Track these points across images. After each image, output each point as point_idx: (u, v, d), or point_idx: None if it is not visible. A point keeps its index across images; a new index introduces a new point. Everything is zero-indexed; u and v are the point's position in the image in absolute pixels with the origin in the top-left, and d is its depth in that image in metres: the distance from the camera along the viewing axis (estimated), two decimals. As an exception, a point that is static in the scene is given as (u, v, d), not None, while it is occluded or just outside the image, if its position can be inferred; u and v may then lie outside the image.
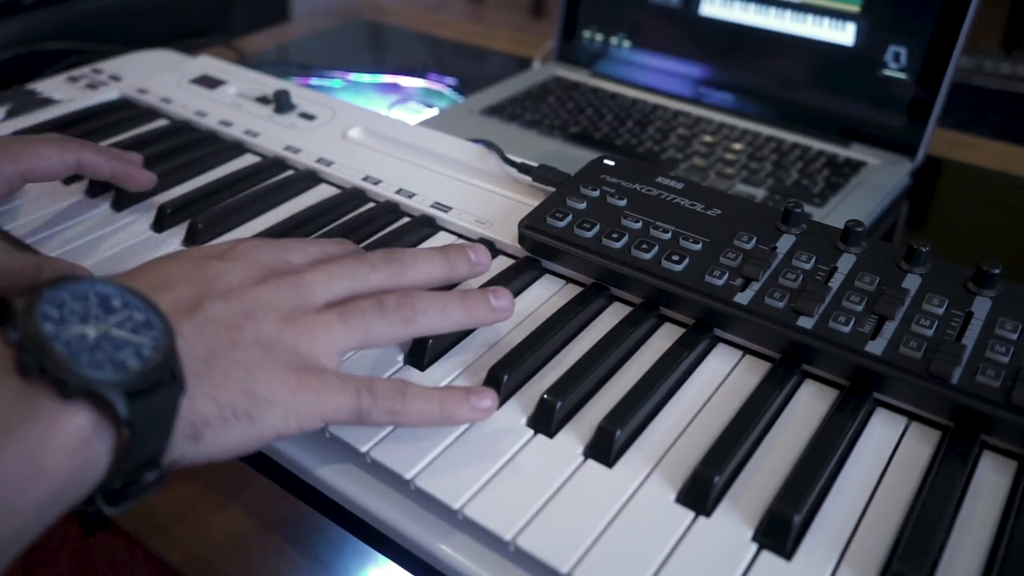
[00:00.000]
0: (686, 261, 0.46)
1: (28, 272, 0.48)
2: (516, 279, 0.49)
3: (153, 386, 0.31)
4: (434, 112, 0.89)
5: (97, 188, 0.60)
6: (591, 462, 0.38)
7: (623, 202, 0.51)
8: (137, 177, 0.56)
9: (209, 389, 0.33)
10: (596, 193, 0.52)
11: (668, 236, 0.48)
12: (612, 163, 0.55)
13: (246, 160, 0.65)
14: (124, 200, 0.58)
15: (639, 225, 0.49)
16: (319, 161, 0.62)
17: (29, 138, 0.54)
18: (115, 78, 0.78)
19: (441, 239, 0.55)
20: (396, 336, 0.40)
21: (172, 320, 0.33)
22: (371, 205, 0.59)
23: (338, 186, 0.61)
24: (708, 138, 0.80)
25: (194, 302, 0.35)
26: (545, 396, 0.40)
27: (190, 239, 0.54)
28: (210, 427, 0.33)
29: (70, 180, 0.61)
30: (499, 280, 0.49)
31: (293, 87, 0.73)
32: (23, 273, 0.48)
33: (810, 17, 0.79)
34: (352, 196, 0.59)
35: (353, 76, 0.98)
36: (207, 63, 0.79)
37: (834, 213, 0.68)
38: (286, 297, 0.37)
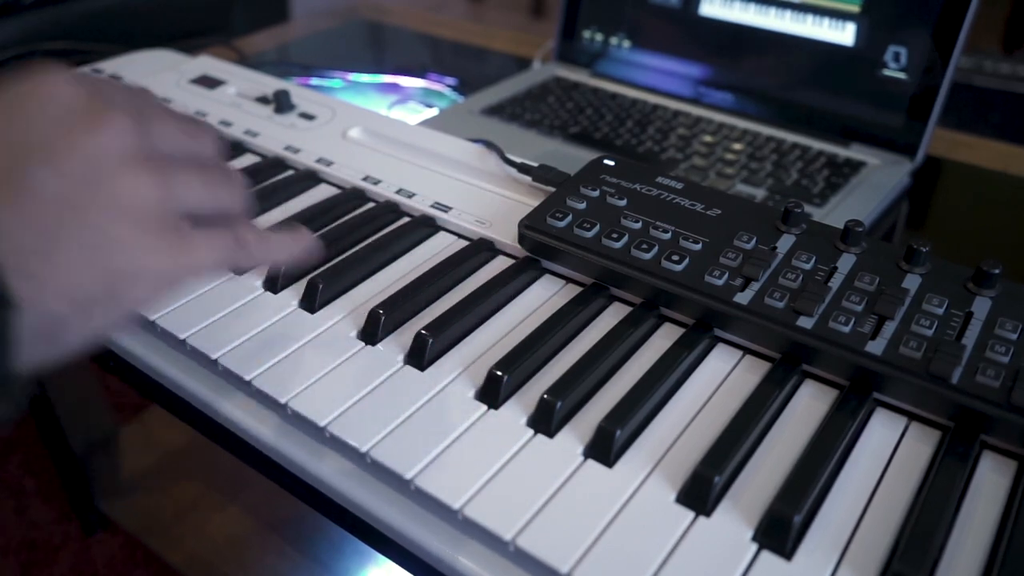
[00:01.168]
0: (686, 261, 0.46)
1: None
2: (516, 279, 0.49)
3: None
4: (434, 112, 0.89)
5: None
6: (591, 462, 0.38)
7: (623, 202, 0.51)
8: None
9: (57, 286, 0.28)
10: (596, 193, 0.52)
11: (668, 236, 0.48)
12: (612, 163, 0.55)
13: (246, 160, 0.65)
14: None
15: (639, 225, 0.49)
16: (319, 161, 0.62)
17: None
18: (115, 78, 0.78)
19: (441, 239, 0.55)
20: (230, 201, 0.36)
21: None
22: (371, 205, 0.59)
23: (338, 186, 0.61)
24: (708, 138, 0.80)
25: (5, 173, 0.28)
26: (545, 396, 0.40)
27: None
28: (68, 327, 0.29)
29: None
30: (499, 280, 0.49)
31: (293, 87, 0.73)
32: None
33: (810, 17, 0.79)
34: (352, 196, 0.59)
35: (353, 76, 0.98)
36: (207, 63, 0.79)
37: (834, 213, 0.68)
38: (123, 141, 0.30)
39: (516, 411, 0.41)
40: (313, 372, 0.43)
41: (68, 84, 0.30)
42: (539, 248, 0.50)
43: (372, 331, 0.46)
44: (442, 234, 0.56)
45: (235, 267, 0.34)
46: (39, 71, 0.30)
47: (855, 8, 0.77)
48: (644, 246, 0.47)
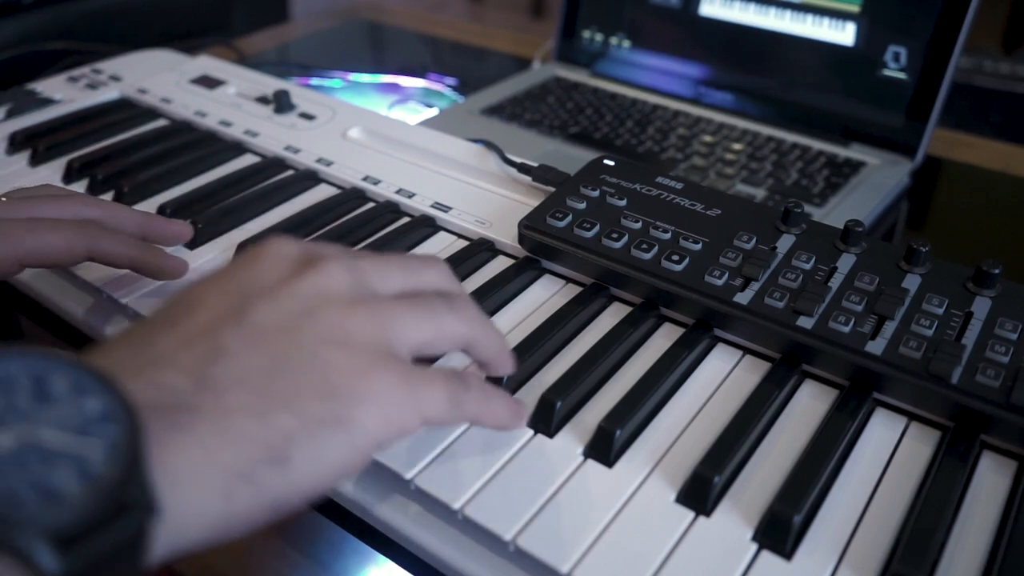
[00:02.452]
0: (686, 261, 0.46)
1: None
2: (516, 279, 0.49)
3: (107, 518, 0.22)
4: (434, 112, 0.89)
5: (98, 187, 0.60)
6: (591, 462, 0.38)
7: (623, 202, 0.51)
8: (165, 266, 0.48)
9: (281, 401, 0.28)
10: (596, 193, 0.52)
11: (668, 236, 0.48)
12: (612, 163, 0.55)
13: (246, 160, 0.65)
14: (124, 200, 0.58)
15: (639, 225, 0.49)
16: (319, 161, 0.62)
17: (36, 219, 0.45)
18: (115, 78, 0.78)
19: (441, 239, 0.55)
20: (466, 333, 0.35)
21: (214, 334, 0.29)
22: (371, 205, 0.59)
23: (338, 186, 0.61)
24: (708, 138, 0.80)
25: (236, 308, 0.30)
26: (545, 396, 0.40)
27: (190, 239, 0.54)
28: (294, 443, 0.27)
29: (70, 179, 0.61)
30: (499, 280, 0.49)
31: (293, 87, 0.73)
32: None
33: (810, 17, 0.79)
34: (352, 196, 0.59)
35: (353, 76, 0.98)
36: (207, 63, 0.79)
37: (834, 213, 0.68)
38: (339, 281, 0.32)
39: (516, 411, 0.41)
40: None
41: (291, 243, 0.33)
42: (539, 248, 0.50)
43: (372, 331, 0.46)
44: (442, 234, 0.56)
45: (458, 414, 0.33)
46: (271, 238, 0.33)
47: (855, 8, 0.77)
48: (644, 246, 0.47)
